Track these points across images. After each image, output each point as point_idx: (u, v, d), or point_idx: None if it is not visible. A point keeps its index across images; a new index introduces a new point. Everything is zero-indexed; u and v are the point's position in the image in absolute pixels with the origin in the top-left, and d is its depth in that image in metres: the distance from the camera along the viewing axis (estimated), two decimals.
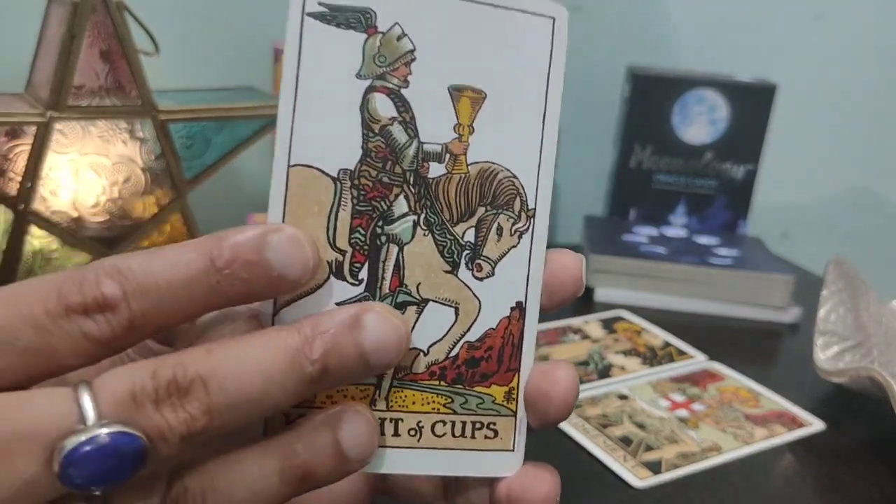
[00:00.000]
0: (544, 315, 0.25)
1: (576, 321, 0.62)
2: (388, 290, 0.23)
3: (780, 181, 0.90)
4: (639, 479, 0.41)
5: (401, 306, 0.23)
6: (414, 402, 0.24)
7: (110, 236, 0.52)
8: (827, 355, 0.53)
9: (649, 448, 0.44)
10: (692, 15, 0.86)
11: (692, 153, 0.79)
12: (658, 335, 0.60)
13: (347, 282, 0.22)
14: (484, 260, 0.24)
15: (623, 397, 0.50)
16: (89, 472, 0.18)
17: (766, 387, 0.53)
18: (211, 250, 0.20)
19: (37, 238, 0.50)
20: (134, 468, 0.19)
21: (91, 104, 0.48)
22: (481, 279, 0.24)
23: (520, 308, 0.25)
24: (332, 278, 0.22)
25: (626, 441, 0.45)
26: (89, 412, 0.18)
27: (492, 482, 0.25)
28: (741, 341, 0.63)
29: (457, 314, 0.24)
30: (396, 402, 0.24)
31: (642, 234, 0.76)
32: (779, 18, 0.88)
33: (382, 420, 0.24)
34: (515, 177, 0.24)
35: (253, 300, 0.21)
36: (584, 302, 0.66)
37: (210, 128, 0.54)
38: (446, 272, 0.24)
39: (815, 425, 0.49)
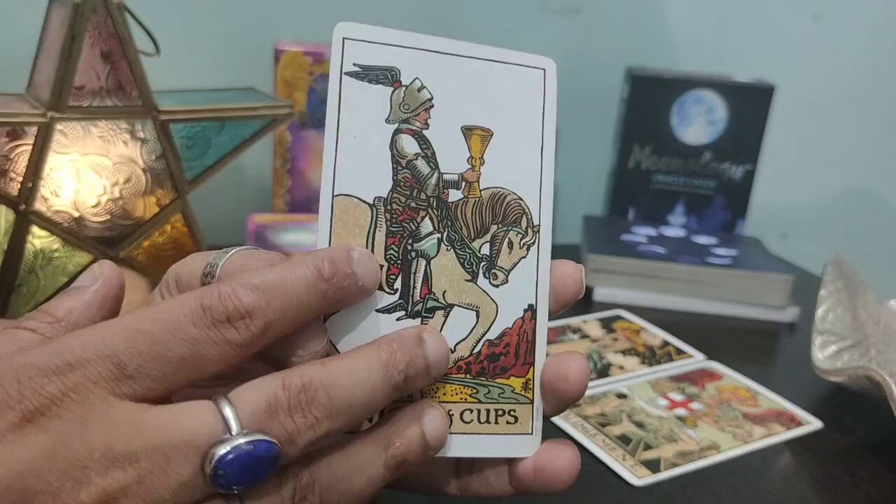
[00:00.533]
0: (550, 316, 0.29)
1: (575, 320, 0.62)
2: (419, 298, 0.27)
3: (778, 181, 0.90)
4: (638, 477, 0.42)
5: (430, 311, 0.27)
6: (445, 393, 0.27)
7: (111, 236, 0.52)
8: (825, 355, 0.53)
9: (648, 447, 0.45)
10: (691, 16, 0.86)
11: (691, 153, 0.79)
12: (657, 334, 0.61)
13: (385, 291, 0.26)
14: (499, 269, 0.28)
15: (622, 396, 0.50)
16: (234, 475, 0.21)
17: (765, 386, 0.53)
18: (316, 264, 0.24)
19: (38, 238, 0.50)
20: (269, 469, 0.22)
21: (92, 105, 0.49)
22: (497, 286, 0.28)
23: (531, 310, 0.28)
24: None
25: (624, 440, 0.45)
26: (232, 423, 0.21)
27: (511, 462, 0.29)
28: (740, 341, 0.63)
29: (478, 316, 0.28)
30: (430, 394, 0.27)
31: (641, 233, 0.76)
32: (777, 18, 0.88)
33: None
34: (521, 199, 0.28)
35: (342, 307, 0.25)
36: (583, 301, 0.66)
37: (211, 128, 0.54)
38: (467, 281, 0.28)
39: (813, 424, 0.49)
